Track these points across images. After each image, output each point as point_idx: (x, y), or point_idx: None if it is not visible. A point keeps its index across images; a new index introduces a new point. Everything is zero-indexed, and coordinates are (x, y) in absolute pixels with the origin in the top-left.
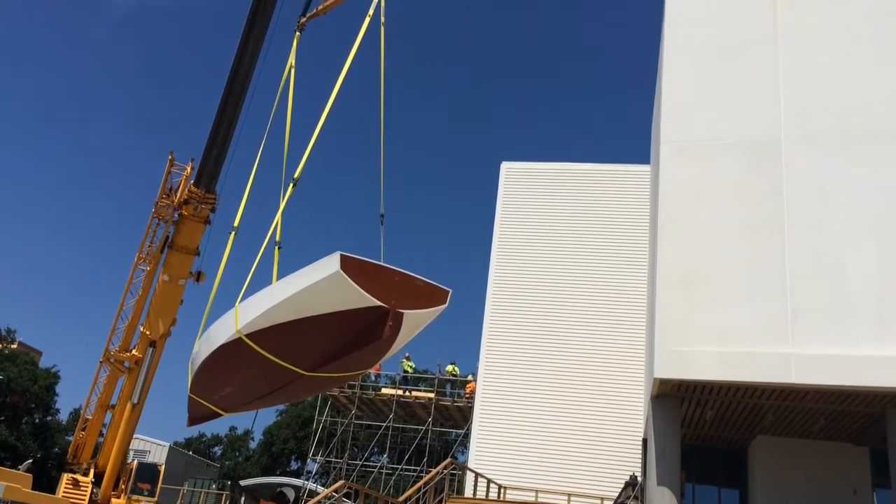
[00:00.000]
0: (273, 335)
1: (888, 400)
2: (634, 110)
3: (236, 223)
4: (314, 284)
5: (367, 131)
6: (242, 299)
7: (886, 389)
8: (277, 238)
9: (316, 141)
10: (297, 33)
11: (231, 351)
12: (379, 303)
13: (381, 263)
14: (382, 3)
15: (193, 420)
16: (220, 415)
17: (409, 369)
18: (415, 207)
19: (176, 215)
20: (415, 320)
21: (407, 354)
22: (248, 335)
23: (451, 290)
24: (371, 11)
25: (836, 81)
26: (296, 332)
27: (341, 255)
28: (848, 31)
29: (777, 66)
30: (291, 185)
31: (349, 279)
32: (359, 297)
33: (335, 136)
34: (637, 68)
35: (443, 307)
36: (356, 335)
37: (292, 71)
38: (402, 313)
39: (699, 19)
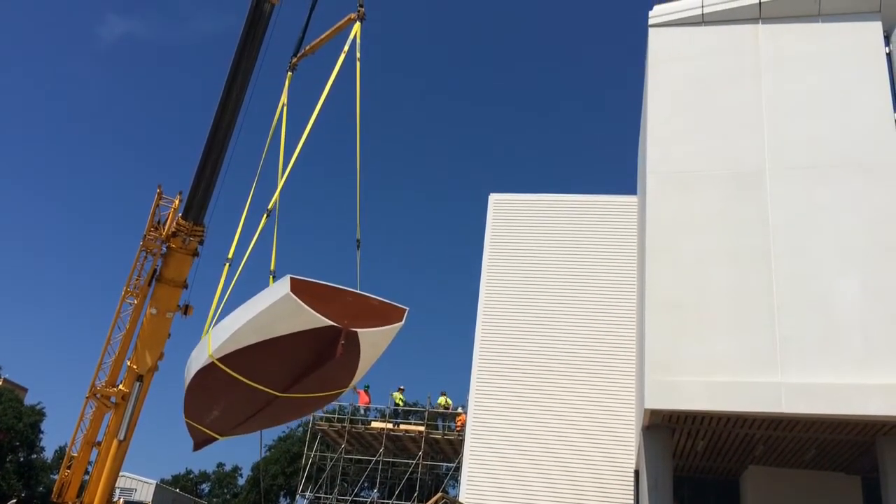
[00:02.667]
0: (241, 358)
1: (878, 428)
2: (621, 141)
3: (230, 255)
4: (269, 308)
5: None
6: (216, 325)
7: (876, 418)
8: (272, 268)
9: (295, 165)
10: (290, 73)
11: (208, 375)
12: (331, 322)
13: (334, 285)
14: (358, 40)
15: (197, 444)
16: (216, 438)
17: (399, 402)
18: (403, 237)
19: (164, 248)
20: (372, 339)
21: (400, 387)
22: (219, 359)
23: (407, 309)
24: (346, 48)
25: (817, 112)
26: (260, 354)
27: (291, 279)
28: (828, 63)
29: (759, 98)
30: (265, 215)
31: (300, 301)
32: (311, 319)
33: (332, 151)
34: (624, 99)
35: (399, 325)
36: (316, 355)
37: (285, 109)
38: (357, 332)
39: (682, 53)
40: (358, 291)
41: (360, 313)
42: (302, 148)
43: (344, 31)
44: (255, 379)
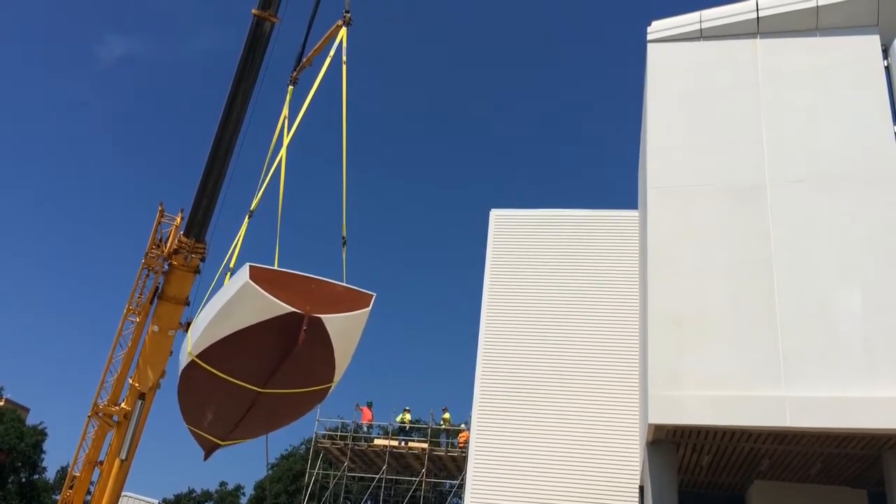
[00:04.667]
0: (216, 353)
1: (884, 442)
2: (622, 155)
3: (232, 264)
4: (232, 298)
5: (366, 157)
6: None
7: (881, 431)
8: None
9: (279, 172)
10: (291, 87)
11: (192, 374)
12: (292, 309)
13: (295, 272)
14: (345, 44)
15: (206, 453)
16: (218, 444)
17: (406, 422)
18: (406, 247)
19: (166, 266)
20: (341, 326)
21: (406, 408)
22: (197, 356)
23: (374, 294)
24: (332, 52)
25: (816, 125)
26: (232, 347)
27: (250, 267)
28: (826, 76)
29: (758, 112)
30: (247, 216)
31: (259, 288)
32: (272, 306)
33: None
34: (623, 113)
35: (366, 311)
36: (283, 344)
37: (286, 122)
38: (321, 318)
39: (681, 68)
40: (320, 278)
41: (324, 300)
42: (290, 147)
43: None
44: (233, 374)
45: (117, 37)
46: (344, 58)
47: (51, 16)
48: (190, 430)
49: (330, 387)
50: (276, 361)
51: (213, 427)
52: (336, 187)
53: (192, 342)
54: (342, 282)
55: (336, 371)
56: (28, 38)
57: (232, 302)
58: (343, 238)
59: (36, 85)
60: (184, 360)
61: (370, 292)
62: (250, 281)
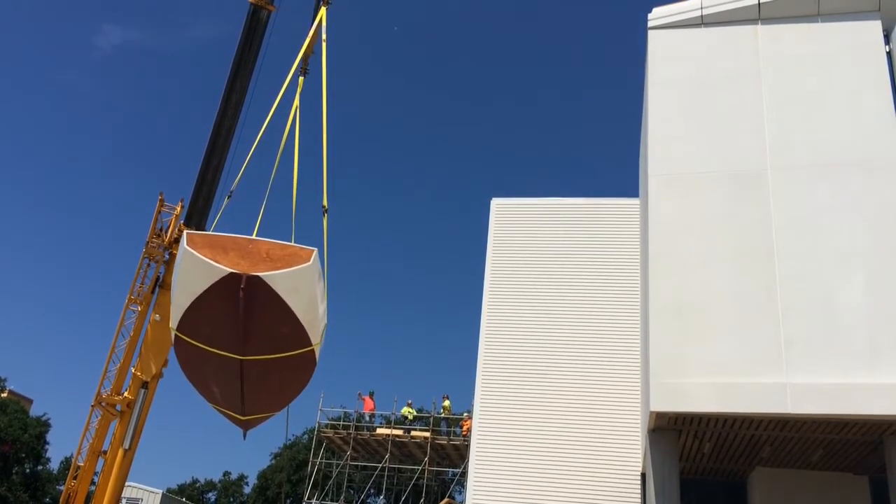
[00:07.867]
0: (189, 323)
1: (885, 428)
2: (623, 143)
3: None
4: (179, 267)
5: (365, 152)
6: None
7: (883, 417)
8: None
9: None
10: (301, 77)
11: (180, 348)
12: (230, 270)
13: (233, 235)
14: (324, 23)
15: (243, 431)
16: (241, 419)
17: (409, 415)
18: (407, 240)
19: (166, 255)
20: (287, 283)
21: (409, 401)
22: (177, 329)
23: (315, 250)
24: (312, 31)
25: (818, 112)
26: (198, 315)
27: (187, 234)
28: (828, 62)
29: (760, 99)
30: (228, 197)
31: (196, 253)
32: (212, 270)
33: (350, 152)
34: (625, 101)
35: (307, 265)
36: (234, 307)
37: (298, 112)
38: (260, 277)
39: (682, 55)
40: (258, 238)
41: (262, 259)
42: (267, 132)
43: (331, 22)
44: (209, 343)
45: (115, 26)
46: (324, 35)
47: (48, 5)
48: (214, 408)
49: (313, 350)
50: (236, 325)
51: (226, 401)
52: (332, 169)
53: (171, 316)
54: (323, 251)
55: (308, 332)
56: (26, 27)
57: (180, 270)
58: (324, 207)
59: (34, 74)
60: (172, 335)
61: (311, 248)
62: (187, 247)
